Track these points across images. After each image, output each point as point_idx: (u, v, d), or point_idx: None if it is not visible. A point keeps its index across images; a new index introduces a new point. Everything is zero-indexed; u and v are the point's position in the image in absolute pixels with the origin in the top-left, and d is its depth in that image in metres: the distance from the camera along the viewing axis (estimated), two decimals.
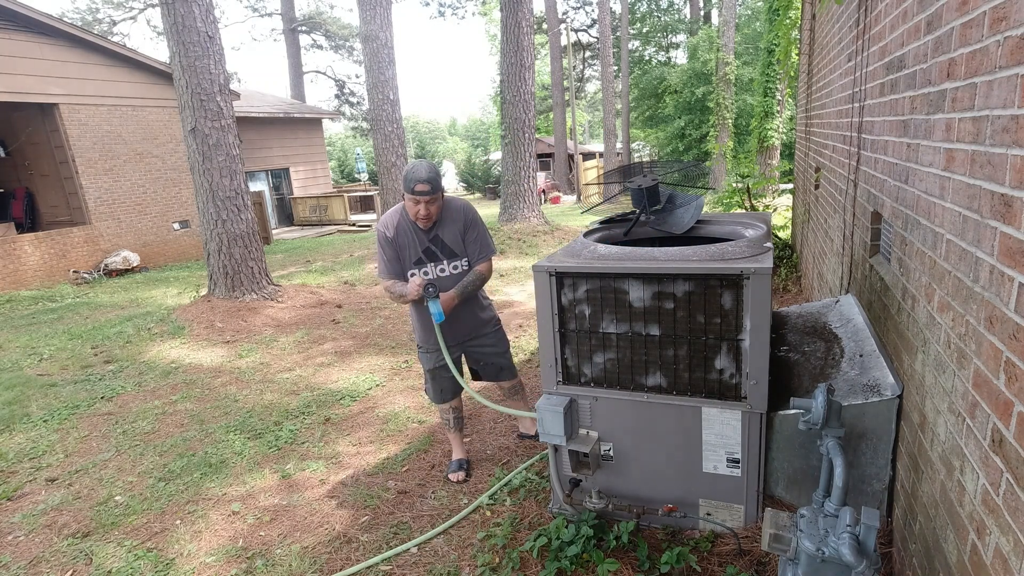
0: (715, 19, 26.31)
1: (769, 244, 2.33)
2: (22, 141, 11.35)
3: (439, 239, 2.87)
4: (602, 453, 2.51)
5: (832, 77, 4.06)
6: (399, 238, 2.84)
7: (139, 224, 11.74)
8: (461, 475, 3.12)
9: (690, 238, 2.83)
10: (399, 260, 2.88)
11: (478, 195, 29.13)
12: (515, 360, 4.92)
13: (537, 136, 23.67)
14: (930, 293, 1.70)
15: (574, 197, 23.75)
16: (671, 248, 2.33)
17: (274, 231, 16.14)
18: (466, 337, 3.06)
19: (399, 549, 2.58)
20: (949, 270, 1.54)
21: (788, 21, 7.94)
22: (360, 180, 24.32)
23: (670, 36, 29.14)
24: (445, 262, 2.89)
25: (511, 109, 12.18)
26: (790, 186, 9.00)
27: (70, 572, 2.64)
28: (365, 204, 18.69)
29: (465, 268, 2.91)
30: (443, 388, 3.13)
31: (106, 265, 10.86)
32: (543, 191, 21.18)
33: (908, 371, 1.94)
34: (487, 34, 46.64)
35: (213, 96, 6.81)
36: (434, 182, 2.67)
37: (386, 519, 2.84)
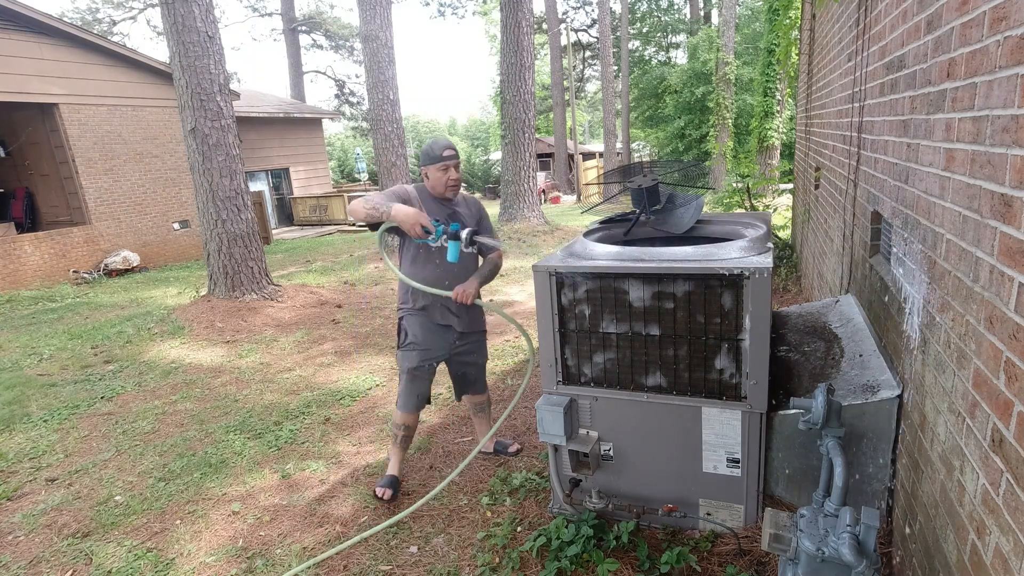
0: (715, 19, 26.30)
1: (769, 244, 2.33)
2: (22, 141, 11.34)
3: (458, 215, 2.84)
4: (602, 453, 2.51)
5: (832, 77, 4.06)
6: (414, 203, 2.78)
7: (139, 224, 11.74)
8: (389, 492, 2.94)
9: (690, 238, 2.83)
10: None
11: (478, 195, 29.14)
12: (515, 360, 4.92)
13: (537, 136, 23.67)
14: (930, 293, 1.70)
15: (574, 197, 23.75)
16: (671, 248, 2.33)
17: (274, 231, 16.13)
18: (458, 342, 2.97)
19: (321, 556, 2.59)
20: (949, 270, 1.54)
21: (788, 21, 7.95)
22: (360, 180, 24.32)
23: (670, 36, 29.13)
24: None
25: (511, 109, 12.18)
26: (790, 186, 9.01)
27: (70, 572, 2.64)
28: None
29: (472, 250, 2.82)
30: (420, 392, 2.96)
31: (106, 265, 10.86)
32: (543, 191, 21.19)
33: (908, 371, 1.94)
34: (487, 34, 46.62)
35: (213, 96, 6.81)
36: (455, 148, 2.80)
37: (386, 519, 2.84)
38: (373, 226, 2.73)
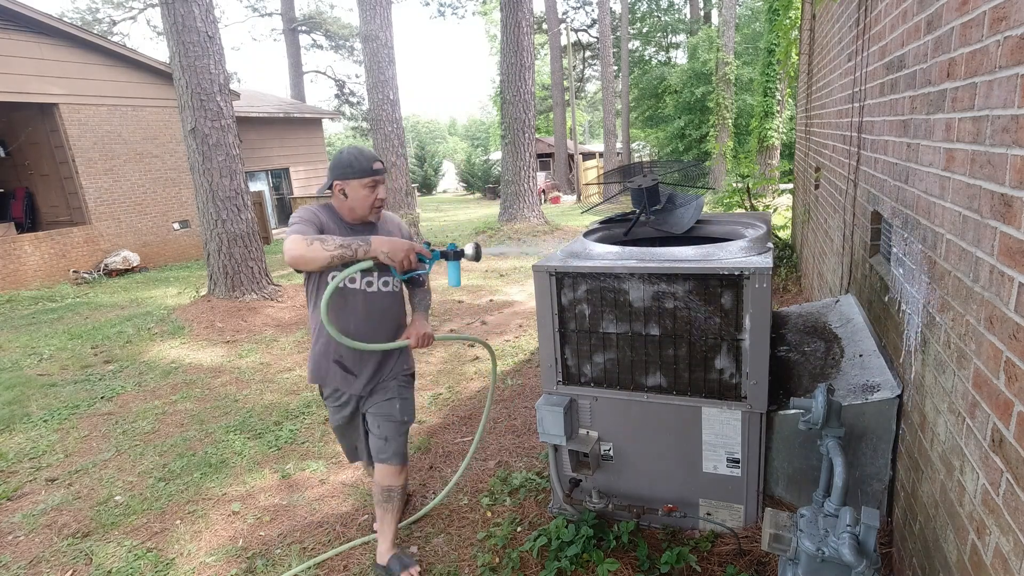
0: (715, 19, 26.32)
1: (769, 244, 2.33)
2: (22, 141, 11.34)
3: None
4: (602, 453, 2.51)
5: (832, 77, 4.06)
6: (330, 229, 2.19)
7: (139, 224, 11.74)
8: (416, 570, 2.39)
9: (690, 238, 2.83)
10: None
11: (478, 195, 29.13)
12: (515, 360, 4.91)
13: (537, 136, 23.67)
14: (930, 293, 1.70)
15: (574, 197, 23.75)
16: (671, 248, 2.33)
17: (274, 231, 16.14)
18: (377, 379, 2.35)
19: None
20: (949, 270, 1.54)
21: (788, 21, 7.95)
22: None
23: (670, 36, 29.15)
24: (375, 275, 2.24)
25: (511, 109, 12.18)
26: (790, 186, 9.01)
27: (70, 572, 2.64)
28: None
29: (396, 288, 2.32)
30: (353, 446, 2.56)
31: (106, 265, 10.86)
32: (543, 191, 21.19)
33: (908, 371, 1.94)
34: (487, 34, 46.63)
35: (213, 96, 6.81)
36: (383, 161, 2.23)
37: None
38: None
